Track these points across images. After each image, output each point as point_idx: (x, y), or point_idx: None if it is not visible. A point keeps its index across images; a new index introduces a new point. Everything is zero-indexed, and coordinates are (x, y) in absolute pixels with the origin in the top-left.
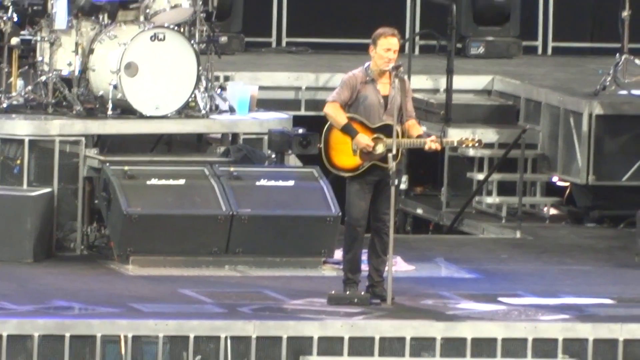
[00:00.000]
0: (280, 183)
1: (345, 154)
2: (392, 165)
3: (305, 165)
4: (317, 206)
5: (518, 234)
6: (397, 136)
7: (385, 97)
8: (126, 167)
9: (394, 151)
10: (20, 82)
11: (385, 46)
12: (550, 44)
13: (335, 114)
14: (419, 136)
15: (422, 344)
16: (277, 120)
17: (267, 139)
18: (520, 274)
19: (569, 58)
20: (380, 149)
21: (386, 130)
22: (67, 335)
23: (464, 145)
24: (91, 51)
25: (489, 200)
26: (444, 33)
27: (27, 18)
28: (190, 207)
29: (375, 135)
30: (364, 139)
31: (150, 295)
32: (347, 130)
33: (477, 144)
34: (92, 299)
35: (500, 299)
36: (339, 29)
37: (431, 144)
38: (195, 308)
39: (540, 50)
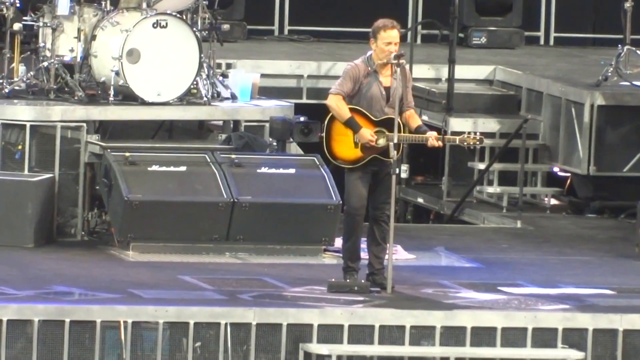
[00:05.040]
0: (282, 171)
1: (346, 146)
2: (393, 154)
3: (306, 153)
4: (318, 194)
5: (519, 224)
6: (400, 130)
7: (387, 89)
8: (127, 154)
9: (396, 141)
10: (22, 68)
11: (386, 40)
12: (553, 35)
13: (339, 107)
14: (418, 127)
15: (422, 333)
16: (278, 108)
17: (269, 127)
18: (521, 263)
19: (571, 49)
20: (382, 142)
21: (388, 124)
22: (67, 320)
23: (465, 144)
24: (93, 37)
25: (490, 189)
26: (446, 23)
27: (29, 4)
28: (191, 194)
29: (377, 129)
30: (367, 133)
31: (151, 281)
32: (351, 124)
33: (478, 142)
34: (92, 285)
35: (500, 288)
36: (341, 17)
37: (433, 141)
38: (196, 295)
39: (542, 41)
